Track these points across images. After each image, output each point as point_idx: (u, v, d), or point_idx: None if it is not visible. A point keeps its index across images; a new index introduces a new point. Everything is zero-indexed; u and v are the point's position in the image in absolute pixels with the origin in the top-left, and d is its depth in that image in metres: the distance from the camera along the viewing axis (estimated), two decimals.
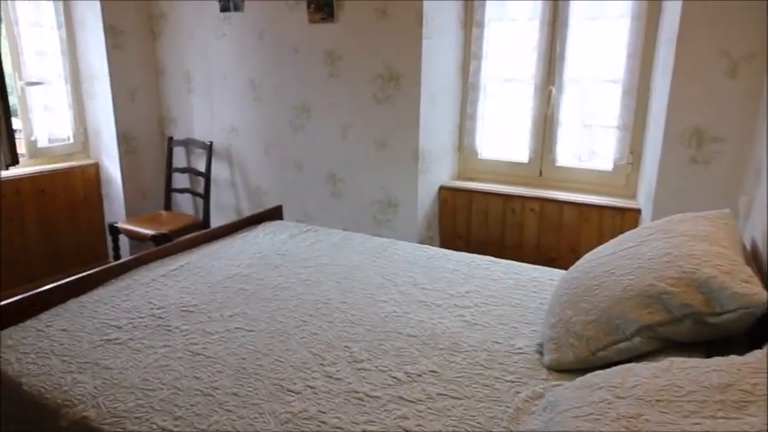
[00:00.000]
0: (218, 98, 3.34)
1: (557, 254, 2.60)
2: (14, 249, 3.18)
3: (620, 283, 1.37)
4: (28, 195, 3.20)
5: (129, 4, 3.36)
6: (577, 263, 1.69)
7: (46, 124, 3.28)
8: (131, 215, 3.48)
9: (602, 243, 2.45)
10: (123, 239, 3.35)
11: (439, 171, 2.87)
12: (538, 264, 2.23)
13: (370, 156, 2.84)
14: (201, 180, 3.38)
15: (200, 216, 3.39)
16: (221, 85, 3.30)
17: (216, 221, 3.46)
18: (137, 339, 1.55)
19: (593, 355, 1.34)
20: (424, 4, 2.53)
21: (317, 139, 3.01)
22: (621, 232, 2.42)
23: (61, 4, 3.24)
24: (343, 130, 2.91)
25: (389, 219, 2.86)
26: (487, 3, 2.72)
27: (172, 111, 3.57)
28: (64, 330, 1.61)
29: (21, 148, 3.14)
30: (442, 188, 2.86)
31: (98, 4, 3.19)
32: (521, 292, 1.89)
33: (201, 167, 3.39)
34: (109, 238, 3.36)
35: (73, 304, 1.78)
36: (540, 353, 1.48)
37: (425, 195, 2.80)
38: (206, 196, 3.34)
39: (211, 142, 3.32)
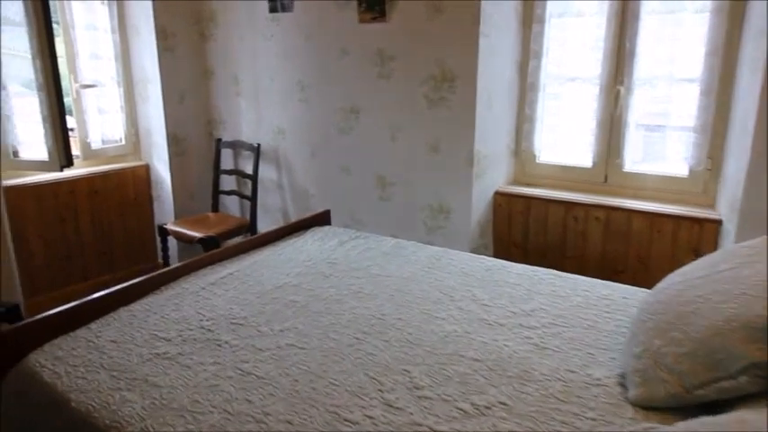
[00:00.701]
0: (265, 100, 3.30)
1: (624, 266, 2.41)
2: (70, 248, 3.23)
3: (720, 311, 1.20)
4: (82, 195, 3.25)
5: (181, 7, 3.36)
6: (661, 284, 1.52)
7: (99, 126, 3.32)
8: (180, 216, 3.48)
9: (677, 256, 2.27)
10: (172, 240, 3.35)
11: (494, 175, 2.72)
12: (603, 276, 2.07)
13: (422, 159, 2.72)
14: (249, 182, 3.35)
15: (248, 218, 3.36)
16: (269, 87, 3.26)
17: (262, 224, 3.43)
18: (186, 354, 1.49)
19: (689, 392, 1.18)
20: (482, 1, 2.39)
21: (366, 142, 2.91)
22: (700, 245, 2.22)
23: (116, 7, 3.27)
24: (393, 133, 2.80)
25: (441, 225, 2.73)
26: None
27: (220, 112, 3.55)
28: (113, 342, 1.56)
29: (75, 149, 3.19)
30: (497, 193, 2.71)
31: (151, 8, 3.20)
32: (592, 311, 1.73)
33: (249, 169, 3.36)
34: (158, 239, 3.37)
35: (123, 313, 1.74)
36: (623, 385, 1.32)
37: (479, 201, 2.66)
38: (253, 198, 3.30)
39: (259, 144, 3.28)
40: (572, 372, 1.39)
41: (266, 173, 3.39)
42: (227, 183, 3.54)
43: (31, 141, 2.86)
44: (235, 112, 3.47)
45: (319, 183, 3.18)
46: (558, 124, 2.67)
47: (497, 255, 2.72)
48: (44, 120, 2.70)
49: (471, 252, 2.61)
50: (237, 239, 3.44)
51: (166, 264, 3.30)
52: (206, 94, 3.58)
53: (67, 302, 3.17)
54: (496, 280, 1.97)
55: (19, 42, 2.65)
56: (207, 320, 1.68)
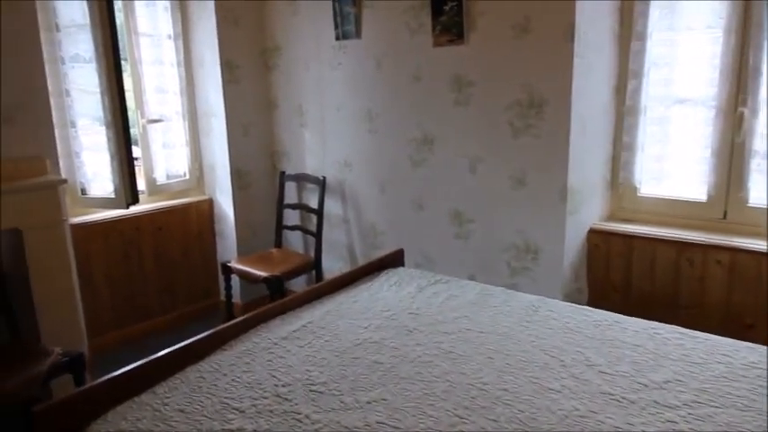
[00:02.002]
0: (331, 131, 3.15)
1: (754, 319, 2.05)
2: (133, 286, 3.16)
3: None
4: (147, 232, 3.19)
5: (246, 39, 3.29)
6: None
7: (164, 161, 3.27)
8: (242, 252, 3.36)
9: None
10: (235, 276, 3.22)
11: (588, 210, 2.43)
12: (728, 332, 1.74)
13: (505, 194, 2.47)
14: (313, 217, 3.20)
15: (312, 255, 3.19)
16: (335, 117, 3.11)
17: (327, 261, 3.25)
18: None
19: None
20: (577, 16, 2.15)
21: (441, 175, 2.69)
22: None
23: (182, 42, 3.24)
24: (471, 165, 2.57)
25: (527, 267, 2.45)
26: (651, 11, 2.27)
27: (284, 145, 3.44)
28: (181, 411, 1.39)
29: (141, 184, 3.14)
30: (592, 231, 2.42)
31: (216, 41, 3.15)
32: (742, 385, 1.42)
33: (313, 203, 3.21)
34: (221, 277, 3.25)
35: (191, 373, 1.57)
36: None
37: (572, 239, 2.37)
38: (318, 234, 3.14)
39: (324, 177, 3.13)
40: None
41: (332, 207, 3.23)
42: (291, 217, 3.40)
43: (99, 178, 2.82)
44: (299, 144, 3.35)
45: (389, 218, 2.97)
46: (664, 152, 2.35)
47: (593, 301, 2.41)
48: (111, 157, 2.64)
49: (564, 298, 2.32)
50: (302, 278, 3.28)
51: (229, 302, 3.17)
52: (270, 127, 3.49)
53: (130, 343, 3.08)
54: (610, 339, 1.68)
55: (87, 78, 2.63)
56: (282, 386, 1.48)
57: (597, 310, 1.88)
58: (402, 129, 2.81)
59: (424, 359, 1.60)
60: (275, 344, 1.72)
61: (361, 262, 3.10)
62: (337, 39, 2.98)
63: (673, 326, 1.74)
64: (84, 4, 2.51)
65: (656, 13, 2.29)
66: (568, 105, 2.22)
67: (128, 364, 1.52)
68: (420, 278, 2.23)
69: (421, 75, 2.68)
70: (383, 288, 2.15)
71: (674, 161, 2.34)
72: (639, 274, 2.30)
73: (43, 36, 2.52)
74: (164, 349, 1.61)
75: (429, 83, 2.66)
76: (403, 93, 2.77)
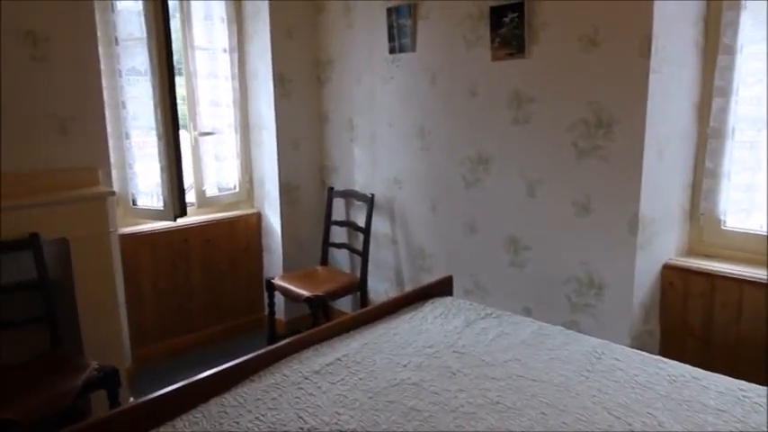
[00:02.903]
0: (381, 147, 3.04)
1: None
2: (180, 298, 3.16)
3: None
4: (195, 244, 3.19)
5: (299, 52, 3.26)
6: None
7: (215, 173, 3.27)
8: (288, 268, 3.30)
9: None
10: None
11: (663, 244, 2.16)
12: None
13: (567, 221, 2.25)
14: (360, 235, 3.08)
15: (357, 275, 3.07)
16: (386, 133, 3.00)
17: (373, 281, 3.13)
18: None
19: None
20: (654, 26, 1.92)
21: (497, 197, 2.50)
22: None
23: (236, 56, 3.24)
24: (530, 188, 2.37)
25: (590, 303, 2.21)
26: (742, 20, 2.01)
27: (333, 160, 3.36)
28: None
29: (191, 196, 3.15)
30: (666, 267, 2.15)
31: (269, 54, 3.13)
32: None
33: (360, 221, 3.10)
34: (265, 293, 3.19)
35: (214, 407, 1.46)
36: None
37: (643, 275, 2.11)
38: (364, 254, 3.02)
39: (372, 195, 3.01)
40: None
41: (379, 226, 3.10)
42: (338, 234, 3.30)
43: (149, 189, 2.84)
44: (348, 159, 3.26)
45: (439, 241, 2.81)
46: (754, 181, 2.06)
47: (666, 347, 2.14)
48: (161, 170, 2.64)
49: (632, 341, 2.07)
50: (347, 299, 3.17)
51: (272, 318, 3.10)
52: (320, 141, 3.42)
53: (175, 355, 3.08)
54: (688, 400, 1.44)
55: (143, 91, 2.65)
56: (308, 430, 1.35)
57: (672, 361, 1.63)
58: (456, 147, 2.65)
59: (467, 409, 1.42)
60: (306, 378, 1.60)
61: (409, 285, 2.96)
62: (391, 52, 2.88)
63: (766, 388, 1.47)
64: (142, 18, 2.53)
65: (747, 23, 2.03)
66: (642, 126, 1.98)
67: (170, 377, 1.47)
68: (468, 310, 2.05)
69: (477, 90, 2.52)
70: (427, 320, 1.99)
71: (766, 191, 2.04)
72: (722, 320, 2.01)
73: (102, 49, 2.56)
74: (206, 363, 1.56)
75: (486, 99, 2.49)
76: (458, 109, 2.61)
